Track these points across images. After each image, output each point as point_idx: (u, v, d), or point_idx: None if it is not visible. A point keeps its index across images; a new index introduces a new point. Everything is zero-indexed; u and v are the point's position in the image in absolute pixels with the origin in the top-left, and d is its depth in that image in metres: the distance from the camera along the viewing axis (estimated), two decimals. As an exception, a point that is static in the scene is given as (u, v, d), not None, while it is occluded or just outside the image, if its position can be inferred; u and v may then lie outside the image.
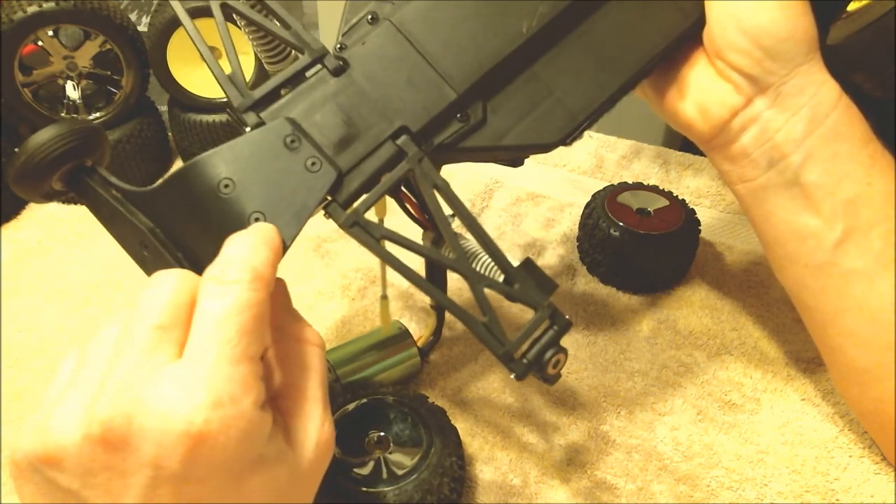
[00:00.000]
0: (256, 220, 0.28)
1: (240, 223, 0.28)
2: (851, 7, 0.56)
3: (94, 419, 0.23)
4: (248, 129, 0.30)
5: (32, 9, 0.57)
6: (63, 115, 0.63)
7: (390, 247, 0.31)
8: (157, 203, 0.30)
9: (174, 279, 0.26)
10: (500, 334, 0.30)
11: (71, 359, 0.26)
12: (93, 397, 0.23)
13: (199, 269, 0.29)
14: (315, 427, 0.27)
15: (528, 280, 0.31)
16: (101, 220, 0.31)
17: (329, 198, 0.31)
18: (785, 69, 0.35)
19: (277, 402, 0.28)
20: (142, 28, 0.64)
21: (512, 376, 0.30)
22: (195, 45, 0.32)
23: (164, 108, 0.69)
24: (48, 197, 0.31)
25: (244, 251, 0.26)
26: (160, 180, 0.29)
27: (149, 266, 0.30)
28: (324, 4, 1.41)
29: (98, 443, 0.23)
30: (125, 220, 0.30)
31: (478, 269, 0.32)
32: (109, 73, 0.64)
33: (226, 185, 0.29)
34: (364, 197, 0.31)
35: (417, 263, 0.33)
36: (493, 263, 0.32)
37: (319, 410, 0.28)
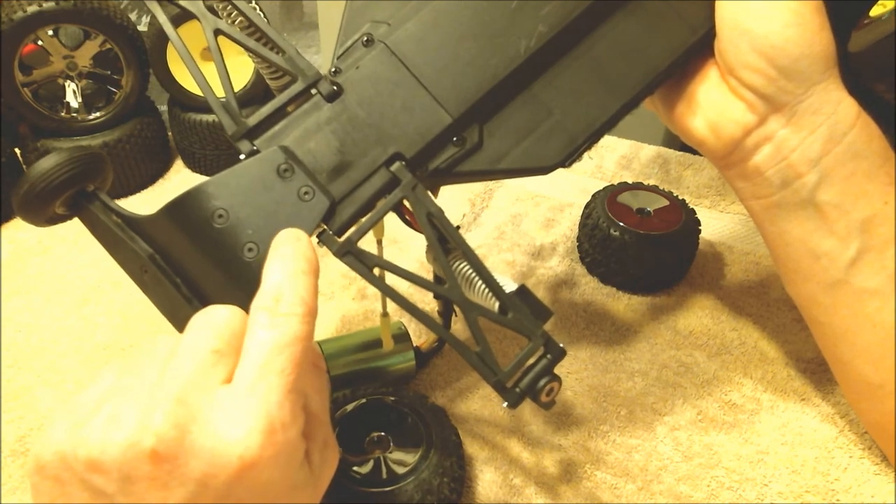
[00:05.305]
0: (250, 250, 0.28)
1: (234, 254, 0.28)
2: (874, 13, 0.54)
3: (147, 429, 0.23)
4: (242, 156, 0.30)
5: (32, 8, 0.57)
6: (63, 114, 0.63)
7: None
8: (156, 230, 0.30)
9: (229, 309, 0.26)
10: (492, 364, 0.30)
11: (111, 370, 0.26)
12: (147, 407, 0.23)
13: (197, 296, 0.29)
14: (330, 453, 0.28)
15: (522, 308, 0.30)
16: (102, 244, 0.31)
17: (323, 226, 0.30)
18: (801, 88, 0.34)
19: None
20: (142, 28, 0.64)
21: (504, 405, 0.30)
22: (187, 66, 0.32)
23: (164, 108, 0.69)
24: (52, 221, 0.31)
25: (294, 281, 0.26)
26: (158, 209, 0.29)
27: (149, 290, 0.31)
28: (324, 4, 1.40)
29: (147, 452, 0.23)
30: (125, 245, 0.30)
31: (475, 293, 0.32)
32: (109, 72, 0.64)
33: (220, 216, 0.29)
34: (358, 224, 0.31)
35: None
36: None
37: (330, 436, 0.28)
